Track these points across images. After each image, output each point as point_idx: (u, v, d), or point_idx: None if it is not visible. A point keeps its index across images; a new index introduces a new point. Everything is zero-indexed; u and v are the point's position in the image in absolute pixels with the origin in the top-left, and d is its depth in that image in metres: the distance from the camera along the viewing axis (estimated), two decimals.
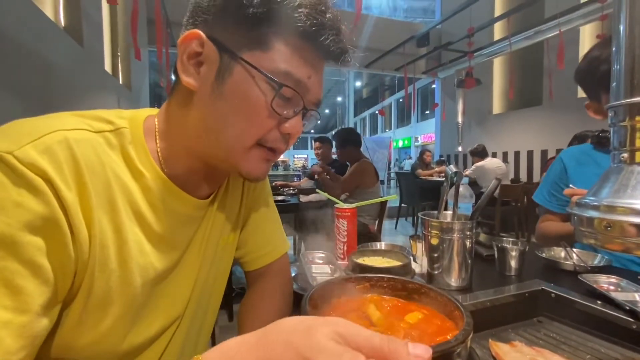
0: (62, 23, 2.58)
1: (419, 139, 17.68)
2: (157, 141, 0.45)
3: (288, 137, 0.44)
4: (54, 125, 0.36)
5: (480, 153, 4.44)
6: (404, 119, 19.57)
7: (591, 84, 0.95)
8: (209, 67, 0.41)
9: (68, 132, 0.36)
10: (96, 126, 0.40)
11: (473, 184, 4.20)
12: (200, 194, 0.50)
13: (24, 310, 0.31)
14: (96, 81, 3.26)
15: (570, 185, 0.87)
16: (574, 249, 0.85)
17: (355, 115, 22.86)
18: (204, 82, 0.41)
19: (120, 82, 4.16)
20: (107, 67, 3.64)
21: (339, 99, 23.85)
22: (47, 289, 0.33)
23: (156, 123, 0.46)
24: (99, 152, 0.39)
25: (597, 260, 0.83)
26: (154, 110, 0.48)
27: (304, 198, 2.54)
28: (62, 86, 2.40)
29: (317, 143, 3.17)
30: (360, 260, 0.73)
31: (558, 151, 4.78)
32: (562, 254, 0.88)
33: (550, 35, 4.43)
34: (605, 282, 0.67)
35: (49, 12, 2.30)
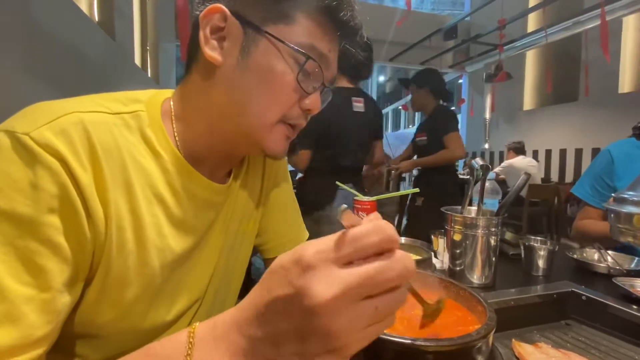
0: (96, 18, 2.69)
1: None
2: (174, 123, 0.45)
3: (307, 113, 0.45)
4: (70, 107, 0.37)
5: (519, 150, 4.28)
6: None
7: None
8: (232, 42, 0.41)
9: (84, 114, 0.37)
10: (114, 108, 0.41)
11: (501, 183, 4.04)
12: (218, 177, 0.50)
13: (46, 287, 0.33)
14: (127, 74, 3.38)
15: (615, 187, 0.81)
16: (609, 251, 0.80)
17: None
18: (228, 56, 0.41)
19: (149, 76, 4.29)
20: (137, 60, 3.76)
21: None
22: (67, 267, 0.34)
23: (172, 105, 0.46)
24: (116, 134, 0.39)
25: (635, 263, 0.78)
26: (172, 92, 0.48)
27: None
28: (95, 79, 2.50)
29: None
30: None
31: (594, 150, 4.50)
32: (595, 256, 0.83)
33: (590, 26, 4.15)
34: None
35: (84, 7, 2.40)
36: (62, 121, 0.35)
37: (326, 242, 0.24)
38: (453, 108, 2.02)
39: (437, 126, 2.06)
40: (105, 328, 0.41)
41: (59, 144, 0.34)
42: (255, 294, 0.26)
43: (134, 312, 0.42)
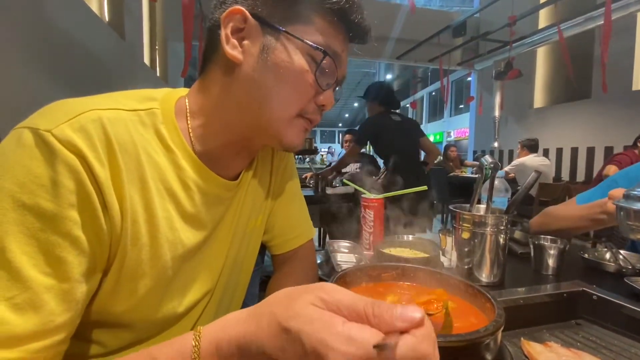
0: (107, 18, 2.72)
1: (451, 133, 17.04)
2: (189, 120, 0.46)
3: (322, 109, 0.47)
4: (89, 105, 0.38)
5: (532, 147, 4.14)
6: (436, 113, 18.89)
7: None
8: (252, 41, 0.43)
9: (102, 111, 0.38)
10: (130, 105, 0.42)
11: (511, 181, 3.99)
12: (229, 174, 0.51)
13: (65, 278, 0.34)
14: (136, 73, 3.42)
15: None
16: (621, 250, 0.79)
17: None
18: (248, 55, 0.43)
19: (158, 75, 4.34)
20: (146, 59, 3.80)
21: None
22: (84, 258, 0.36)
23: (187, 103, 0.47)
24: (131, 131, 0.40)
25: None
26: (186, 91, 0.49)
27: (330, 190, 2.54)
28: (106, 77, 2.54)
29: (348, 135, 3.28)
30: (386, 250, 0.72)
31: (607, 148, 4.41)
32: (607, 255, 0.82)
33: (603, 22, 4.06)
34: None
35: (94, 7, 2.44)
36: (81, 118, 0.36)
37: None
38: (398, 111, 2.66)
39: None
40: (121, 318, 0.43)
41: (78, 141, 0.35)
42: (264, 327, 0.25)
43: (147, 303, 0.44)
